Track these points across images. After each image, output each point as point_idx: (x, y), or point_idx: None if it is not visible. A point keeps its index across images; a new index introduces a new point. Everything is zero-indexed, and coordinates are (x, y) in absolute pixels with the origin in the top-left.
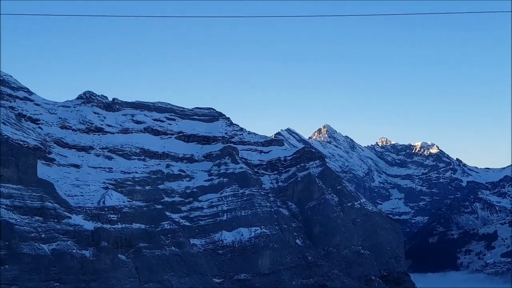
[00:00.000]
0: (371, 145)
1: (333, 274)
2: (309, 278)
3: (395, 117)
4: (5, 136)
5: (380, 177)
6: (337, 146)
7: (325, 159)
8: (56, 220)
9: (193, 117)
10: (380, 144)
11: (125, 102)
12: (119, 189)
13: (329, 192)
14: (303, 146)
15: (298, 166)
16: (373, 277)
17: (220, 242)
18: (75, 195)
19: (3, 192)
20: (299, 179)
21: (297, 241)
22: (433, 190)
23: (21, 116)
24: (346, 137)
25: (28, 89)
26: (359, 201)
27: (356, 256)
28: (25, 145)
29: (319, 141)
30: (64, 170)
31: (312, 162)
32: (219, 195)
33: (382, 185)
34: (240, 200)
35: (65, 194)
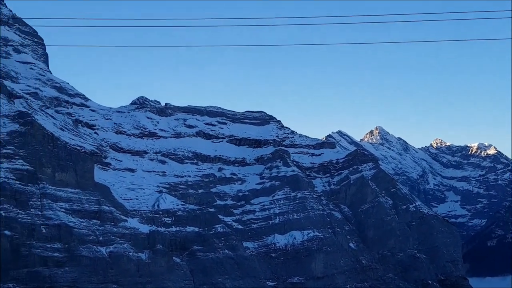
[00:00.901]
0: (425, 146)
1: (388, 278)
2: (364, 282)
3: (450, 118)
4: (63, 142)
5: (435, 179)
6: (389, 148)
7: (378, 161)
8: (112, 223)
9: (244, 120)
10: (434, 145)
11: (178, 106)
12: (173, 193)
13: (382, 194)
14: (355, 148)
15: (351, 168)
16: (430, 282)
17: (273, 245)
18: (131, 199)
19: (62, 196)
20: (351, 181)
21: (351, 244)
22: (491, 192)
23: (78, 122)
24: (399, 138)
25: (84, 96)
26: (414, 204)
27: (412, 260)
28: (82, 150)
29: (371, 143)
30: (120, 174)
31: (365, 165)
32: (271, 198)
33: (437, 187)
34: (292, 203)
35: (121, 197)
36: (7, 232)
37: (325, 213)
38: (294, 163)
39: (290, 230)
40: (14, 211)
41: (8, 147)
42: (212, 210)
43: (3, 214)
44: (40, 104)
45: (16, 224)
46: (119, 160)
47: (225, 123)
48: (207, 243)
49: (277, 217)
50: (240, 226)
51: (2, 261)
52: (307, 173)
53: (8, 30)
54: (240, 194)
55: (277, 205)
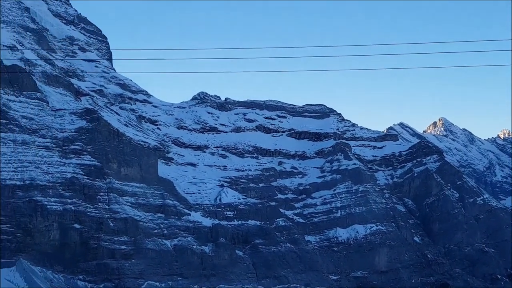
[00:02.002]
0: (492, 138)
1: (455, 273)
2: (429, 276)
3: None
4: (128, 137)
5: (503, 171)
6: (454, 140)
7: (443, 153)
8: (176, 217)
9: (304, 114)
10: (502, 136)
11: (237, 101)
12: (234, 187)
13: (448, 187)
14: (419, 140)
15: (414, 161)
16: (499, 276)
17: (335, 239)
18: (193, 193)
19: (127, 191)
20: (415, 174)
21: (415, 238)
22: None
23: (141, 118)
24: (464, 130)
25: (147, 92)
26: (481, 197)
27: (480, 254)
28: (146, 146)
29: (434, 135)
30: (182, 168)
31: (429, 157)
32: (332, 192)
33: (505, 179)
34: (354, 196)
35: (184, 191)
36: (76, 226)
37: (388, 206)
38: (356, 156)
39: (352, 223)
40: (83, 205)
41: (76, 143)
42: (273, 204)
43: (73, 208)
44: (105, 101)
45: (85, 218)
46: (181, 155)
47: (284, 117)
48: (269, 236)
49: (339, 210)
50: (301, 220)
51: (72, 254)
52: (369, 166)
53: (73, 30)
54: (301, 187)
55: (339, 199)
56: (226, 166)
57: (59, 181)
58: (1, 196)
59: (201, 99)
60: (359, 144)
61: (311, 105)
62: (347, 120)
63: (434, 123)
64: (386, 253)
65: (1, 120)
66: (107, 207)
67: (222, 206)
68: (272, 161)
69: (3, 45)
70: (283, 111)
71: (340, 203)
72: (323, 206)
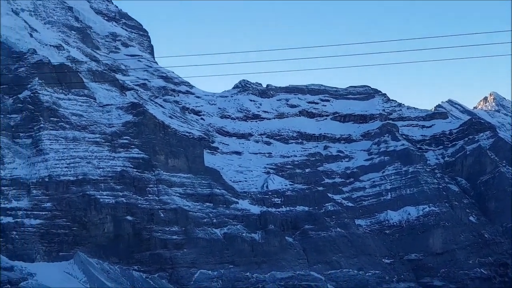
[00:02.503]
0: None
1: None
2: (487, 256)
3: None
4: (173, 129)
5: None
6: (507, 115)
7: (496, 129)
8: (225, 206)
9: (347, 96)
10: None
11: (279, 87)
12: (280, 173)
13: (503, 164)
14: (470, 117)
15: (466, 139)
16: None
17: (386, 222)
18: (240, 181)
19: (176, 182)
20: (468, 152)
21: (471, 218)
22: None
23: (185, 109)
24: None
25: (189, 83)
26: None
27: None
28: (191, 136)
29: (485, 110)
30: (227, 157)
31: (481, 134)
32: (381, 174)
33: None
34: (404, 178)
35: (231, 180)
36: (129, 218)
37: (440, 186)
38: (404, 136)
39: (404, 206)
40: (134, 198)
41: (124, 137)
42: (321, 189)
43: (125, 200)
44: (149, 94)
45: (137, 209)
46: (226, 144)
47: (328, 100)
48: (318, 222)
49: (389, 193)
50: (350, 204)
51: (126, 245)
52: (418, 146)
53: (115, 26)
54: (348, 171)
55: (388, 181)
56: (271, 153)
57: (110, 175)
58: (56, 191)
59: (243, 87)
60: (406, 124)
61: (354, 86)
62: (392, 100)
63: (485, 98)
64: (441, 234)
65: (53, 118)
66: (157, 198)
67: (270, 193)
68: (317, 146)
69: (50, 45)
70: (326, 95)
71: (390, 185)
72: (372, 189)
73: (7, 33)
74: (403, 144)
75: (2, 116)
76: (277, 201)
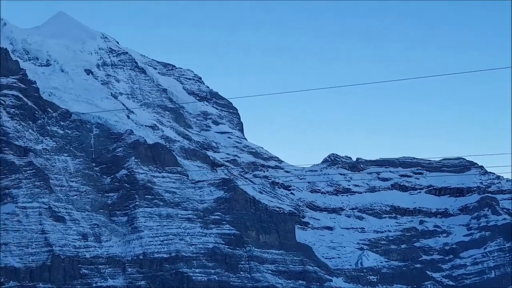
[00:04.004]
0: None
1: None
2: None
3: None
4: (264, 205)
5: None
6: None
7: None
8: (318, 284)
9: (442, 169)
10: None
11: (369, 160)
12: (374, 249)
13: None
14: None
15: None
16: None
17: None
18: (333, 257)
19: (267, 258)
20: None
21: None
22: None
23: (275, 184)
24: None
25: (278, 158)
26: None
27: None
28: (281, 211)
29: None
30: (319, 233)
31: None
32: (483, 251)
33: None
34: (508, 255)
35: (323, 256)
36: None
37: None
38: (505, 210)
39: (509, 284)
40: (226, 275)
41: (216, 213)
42: (419, 266)
43: (217, 278)
44: (239, 170)
45: (229, 287)
46: (317, 219)
47: (421, 173)
48: None
49: (492, 271)
50: (451, 282)
51: None
52: None
53: (206, 105)
54: (447, 247)
55: (491, 258)
56: (364, 228)
57: (202, 251)
58: (150, 269)
59: (332, 161)
60: (507, 198)
61: (449, 159)
62: (490, 172)
63: None
64: None
65: (148, 196)
66: (248, 275)
67: (364, 271)
68: (412, 220)
69: (146, 125)
70: (419, 167)
71: (493, 262)
72: (474, 266)
73: (106, 116)
74: (504, 219)
75: (100, 195)
76: (373, 279)
